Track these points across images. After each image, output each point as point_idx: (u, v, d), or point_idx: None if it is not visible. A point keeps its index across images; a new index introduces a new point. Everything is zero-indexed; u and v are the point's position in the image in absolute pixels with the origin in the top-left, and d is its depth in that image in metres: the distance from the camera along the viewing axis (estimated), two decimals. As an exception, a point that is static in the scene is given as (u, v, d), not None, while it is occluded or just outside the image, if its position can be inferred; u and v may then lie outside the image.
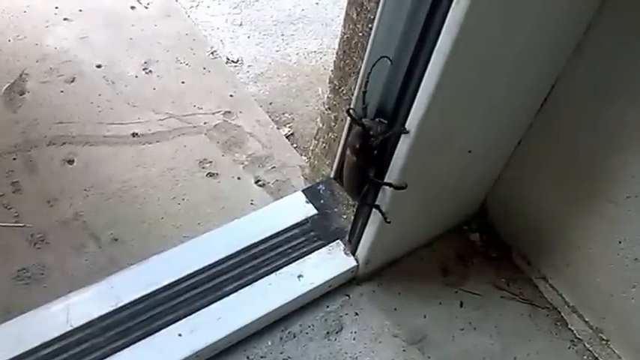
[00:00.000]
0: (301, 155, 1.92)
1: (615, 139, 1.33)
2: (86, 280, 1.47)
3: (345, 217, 1.63)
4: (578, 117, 1.39)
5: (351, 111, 1.25)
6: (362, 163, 1.29)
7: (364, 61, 1.34)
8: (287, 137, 1.98)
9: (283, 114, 2.05)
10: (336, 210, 1.64)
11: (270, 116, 2.02)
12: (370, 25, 1.34)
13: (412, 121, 1.17)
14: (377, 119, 1.26)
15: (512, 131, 1.52)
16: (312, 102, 2.11)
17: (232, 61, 2.18)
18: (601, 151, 1.37)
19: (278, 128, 1.99)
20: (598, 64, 1.30)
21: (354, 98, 1.44)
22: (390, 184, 1.28)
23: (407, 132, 1.18)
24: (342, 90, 1.56)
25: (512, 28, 1.11)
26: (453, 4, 0.99)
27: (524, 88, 1.36)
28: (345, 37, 1.47)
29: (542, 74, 1.37)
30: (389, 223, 1.34)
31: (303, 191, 1.67)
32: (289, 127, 2.02)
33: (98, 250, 1.59)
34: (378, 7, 1.27)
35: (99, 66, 2.03)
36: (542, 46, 1.25)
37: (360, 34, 1.40)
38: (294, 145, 1.96)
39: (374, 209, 1.37)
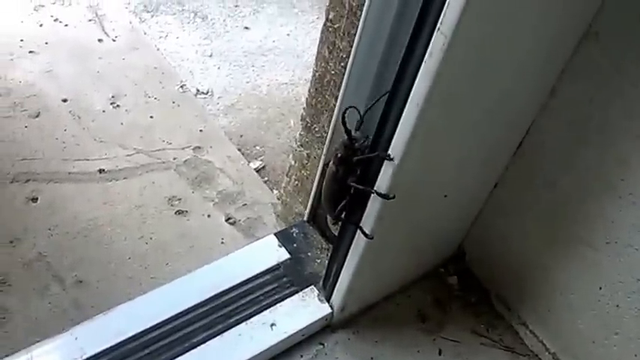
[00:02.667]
0: (273, 189, 1.89)
1: (592, 183, 1.31)
2: (49, 324, 1.43)
3: (319, 261, 1.59)
4: (554, 160, 1.38)
5: (345, 117, 1.18)
6: (342, 175, 1.23)
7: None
8: (258, 171, 1.95)
9: (254, 146, 2.03)
10: (309, 254, 1.61)
11: (240, 149, 2.00)
12: (342, 64, 1.33)
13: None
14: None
15: (487, 174, 1.50)
16: (284, 134, 2.09)
17: (202, 92, 2.15)
18: (578, 196, 1.36)
19: (249, 162, 1.96)
20: (572, 109, 1.29)
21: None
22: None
23: (391, 159, 1.13)
24: (315, 127, 1.54)
25: (487, 77, 1.10)
26: (426, 57, 0.97)
27: (499, 132, 1.35)
28: (317, 74, 1.45)
29: (517, 118, 1.36)
30: (371, 239, 1.27)
31: (275, 234, 1.63)
32: (260, 159, 1.99)
33: (62, 292, 1.54)
34: (350, 46, 1.26)
35: (65, 100, 1.99)
36: (517, 92, 1.25)
37: (333, 72, 1.39)
38: (266, 179, 1.93)
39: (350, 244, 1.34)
